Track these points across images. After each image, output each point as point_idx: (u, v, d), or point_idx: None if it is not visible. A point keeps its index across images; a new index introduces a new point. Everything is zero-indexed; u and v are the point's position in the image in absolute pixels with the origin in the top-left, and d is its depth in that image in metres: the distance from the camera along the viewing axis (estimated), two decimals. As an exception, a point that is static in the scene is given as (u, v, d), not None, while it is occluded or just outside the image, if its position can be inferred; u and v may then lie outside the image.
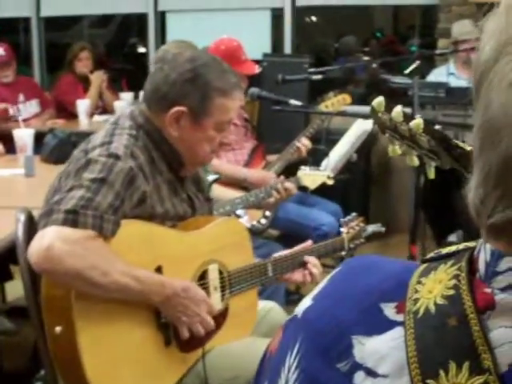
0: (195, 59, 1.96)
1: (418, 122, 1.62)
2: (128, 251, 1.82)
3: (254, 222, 3.38)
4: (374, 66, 6.16)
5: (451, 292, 0.66)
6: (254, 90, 3.21)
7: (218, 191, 3.08)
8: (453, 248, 0.73)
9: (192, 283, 1.93)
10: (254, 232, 3.30)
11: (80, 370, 1.74)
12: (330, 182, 3.04)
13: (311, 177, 3.06)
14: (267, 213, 3.41)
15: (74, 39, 6.81)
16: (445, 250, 0.73)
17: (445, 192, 3.94)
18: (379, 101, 1.64)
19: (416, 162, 1.77)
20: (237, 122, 3.66)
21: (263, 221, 3.40)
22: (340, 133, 3.83)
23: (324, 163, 3.42)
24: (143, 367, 1.87)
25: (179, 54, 2.00)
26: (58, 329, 1.75)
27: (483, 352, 0.61)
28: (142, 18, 6.62)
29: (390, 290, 0.71)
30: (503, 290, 0.63)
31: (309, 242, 2.32)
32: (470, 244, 0.72)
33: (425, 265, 0.72)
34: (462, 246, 0.72)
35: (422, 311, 0.66)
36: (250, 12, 6.08)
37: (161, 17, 6.39)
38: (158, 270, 1.88)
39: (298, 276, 2.23)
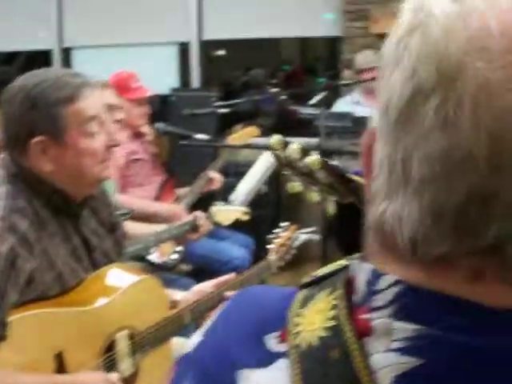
0: (25, 85, 1.79)
1: (313, 158, 1.62)
2: (23, 349, 1.68)
3: (165, 258, 3.34)
4: (283, 97, 6.22)
5: (332, 323, 0.65)
6: (160, 125, 3.20)
7: (131, 227, 3.03)
8: (326, 270, 0.72)
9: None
10: (166, 268, 3.25)
11: None
12: (245, 218, 3.04)
13: (225, 212, 3.05)
14: (178, 248, 3.37)
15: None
16: (319, 273, 0.72)
17: (355, 221, 4.00)
18: (276, 138, 1.64)
19: (316, 197, 1.77)
20: (144, 156, 3.63)
21: (174, 256, 3.36)
22: (249, 165, 3.84)
23: (233, 196, 3.42)
24: None
25: (10, 88, 1.82)
26: None
27: (367, 382, 0.61)
28: (47, 55, 6.52)
29: (270, 319, 0.70)
30: (378, 309, 0.63)
31: (232, 275, 2.21)
32: (343, 262, 0.71)
33: (303, 292, 0.71)
34: (334, 267, 0.71)
35: (304, 345, 0.65)
36: (156, 47, 6.07)
37: (66, 53, 6.30)
38: (59, 356, 1.75)
39: None
